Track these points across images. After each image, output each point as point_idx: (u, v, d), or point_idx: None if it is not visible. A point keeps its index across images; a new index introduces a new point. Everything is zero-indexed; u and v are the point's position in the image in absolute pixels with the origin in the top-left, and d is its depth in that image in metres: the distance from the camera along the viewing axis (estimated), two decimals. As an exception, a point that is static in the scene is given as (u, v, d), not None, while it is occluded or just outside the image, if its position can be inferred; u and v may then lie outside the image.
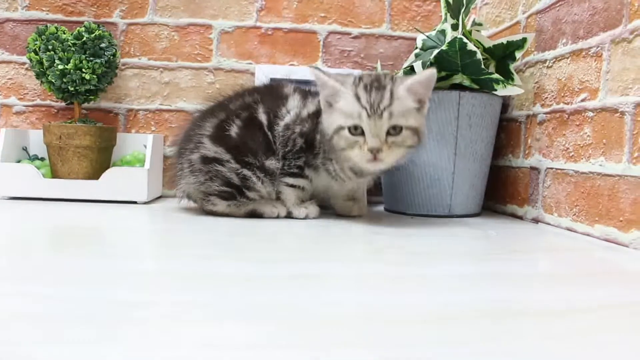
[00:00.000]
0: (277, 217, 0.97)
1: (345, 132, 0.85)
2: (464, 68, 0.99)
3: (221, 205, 0.96)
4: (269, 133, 0.95)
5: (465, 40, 0.95)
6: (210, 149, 0.94)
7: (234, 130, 0.95)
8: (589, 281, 0.59)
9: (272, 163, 0.95)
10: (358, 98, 0.84)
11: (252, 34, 1.28)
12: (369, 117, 0.83)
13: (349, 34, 1.30)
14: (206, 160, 0.94)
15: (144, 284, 0.51)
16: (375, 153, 0.83)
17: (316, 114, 0.94)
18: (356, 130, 0.84)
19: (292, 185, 0.97)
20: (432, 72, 0.86)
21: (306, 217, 0.98)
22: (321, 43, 1.30)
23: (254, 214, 0.97)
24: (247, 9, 1.28)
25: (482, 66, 0.98)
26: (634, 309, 0.49)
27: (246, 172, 0.93)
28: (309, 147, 0.95)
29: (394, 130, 0.84)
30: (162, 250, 0.72)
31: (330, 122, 0.88)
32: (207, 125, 0.96)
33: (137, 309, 0.43)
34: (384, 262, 0.66)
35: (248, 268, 0.59)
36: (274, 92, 1.00)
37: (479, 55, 0.97)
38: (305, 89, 1.01)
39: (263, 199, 0.97)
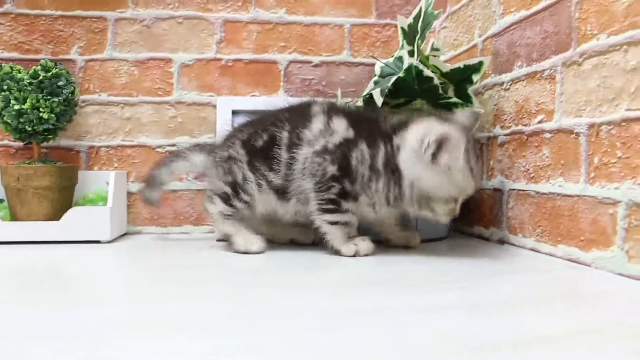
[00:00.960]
0: (245, 252, 0.93)
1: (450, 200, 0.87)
2: (423, 94, 1.00)
3: (215, 207, 0.97)
4: (287, 154, 0.92)
5: (421, 67, 0.96)
6: (238, 151, 0.96)
7: (259, 143, 0.95)
8: (553, 306, 0.59)
9: (275, 177, 0.93)
10: (471, 171, 0.86)
11: (213, 66, 1.28)
12: None
13: (309, 62, 1.31)
14: (229, 158, 0.97)
15: (111, 335, 0.50)
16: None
17: (347, 141, 0.90)
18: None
19: (334, 223, 0.90)
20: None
21: (356, 255, 0.89)
22: (282, 72, 1.30)
23: (228, 237, 0.97)
24: (207, 41, 1.28)
25: (440, 91, 0.99)
26: (601, 334, 0.49)
27: (249, 173, 0.94)
28: (344, 174, 0.89)
29: None
30: (125, 294, 0.70)
31: (438, 185, 0.86)
32: (244, 132, 0.99)
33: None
34: (330, 293, 0.65)
35: (219, 311, 0.57)
36: (301, 112, 0.96)
37: (436, 81, 0.97)
38: (330, 106, 0.97)
39: (249, 210, 0.97)
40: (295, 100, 1.02)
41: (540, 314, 0.56)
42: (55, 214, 1.10)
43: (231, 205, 0.96)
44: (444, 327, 0.51)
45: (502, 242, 1.02)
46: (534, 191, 0.92)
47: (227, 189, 0.96)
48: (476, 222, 1.13)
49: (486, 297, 0.63)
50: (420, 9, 1.05)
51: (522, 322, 0.53)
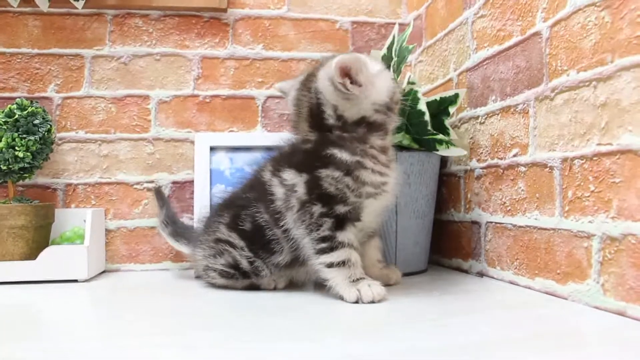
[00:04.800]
0: (275, 288, 0.93)
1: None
2: (411, 127, 1.01)
3: (220, 280, 0.95)
4: (278, 231, 0.89)
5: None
6: (225, 233, 0.94)
7: (247, 227, 0.92)
8: (532, 345, 0.59)
9: (280, 259, 0.90)
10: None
11: (190, 102, 1.28)
12: None
13: (287, 97, 1.31)
14: (219, 240, 0.94)
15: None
16: None
17: (308, 183, 0.85)
18: None
19: (330, 265, 0.83)
20: None
21: (358, 302, 0.80)
22: (260, 108, 1.30)
23: (252, 287, 0.93)
24: (184, 78, 1.28)
25: (429, 127, 1.00)
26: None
27: (259, 263, 0.91)
28: (332, 203, 0.84)
29: None
30: (102, 338, 0.69)
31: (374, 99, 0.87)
32: (225, 215, 0.95)
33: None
34: (291, 337, 0.64)
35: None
36: (260, 184, 0.92)
37: (427, 117, 0.98)
38: (273, 164, 0.93)
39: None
40: (246, 175, 1.01)
41: (523, 356, 0.56)
42: (31, 254, 1.08)
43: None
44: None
45: (480, 274, 1.02)
46: (511, 224, 0.92)
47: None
48: (455, 255, 1.13)
49: (470, 338, 0.63)
50: (393, 38, 1.06)
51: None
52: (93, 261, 1.12)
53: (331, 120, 0.87)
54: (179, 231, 1.12)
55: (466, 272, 1.08)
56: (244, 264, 0.91)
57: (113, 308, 0.86)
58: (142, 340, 0.65)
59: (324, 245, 0.84)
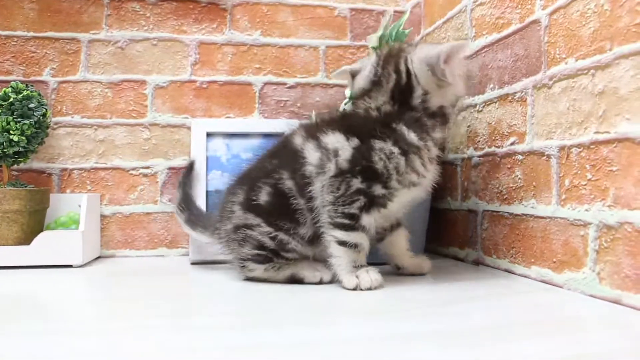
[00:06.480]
0: (320, 282, 0.86)
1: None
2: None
3: (258, 269, 0.88)
4: (301, 200, 0.85)
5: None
6: (241, 216, 0.89)
7: (262, 199, 0.87)
8: (530, 332, 0.59)
9: (304, 232, 0.86)
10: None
11: (187, 88, 1.27)
12: None
13: (284, 84, 1.31)
14: (237, 227, 0.89)
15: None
16: None
17: (358, 150, 0.82)
18: None
19: (343, 243, 0.82)
20: None
21: (357, 289, 0.80)
22: (257, 94, 1.30)
23: (294, 279, 0.87)
24: (181, 63, 1.27)
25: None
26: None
27: (283, 235, 0.86)
28: (373, 182, 0.82)
29: None
30: (97, 323, 0.68)
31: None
32: (238, 193, 0.91)
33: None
34: (297, 321, 0.64)
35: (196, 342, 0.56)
36: (288, 150, 0.88)
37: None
38: (307, 129, 0.90)
39: (303, 260, 0.88)
40: (269, 144, 0.97)
41: (518, 342, 0.56)
42: (26, 239, 1.08)
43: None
44: (421, 358, 0.51)
45: (477, 263, 1.02)
46: (508, 212, 0.92)
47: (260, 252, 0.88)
48: (451, 243, 1.13)
49: (465, 325, 0.63)
50: (386, 26, 1.06)
51: (500, 353, 0.53)
52: (88, 247, 1.12)
53: (416, 102, 0.84)
54: (195, 218, 1.08)
55: (462, 260, 1.08)
56: (267, 241, 0.86)
57: (108, 293, 0.86)
58: (136, 323, 0.64)
59: (345, 221, 0.81)
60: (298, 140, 0.88)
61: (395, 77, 0.84)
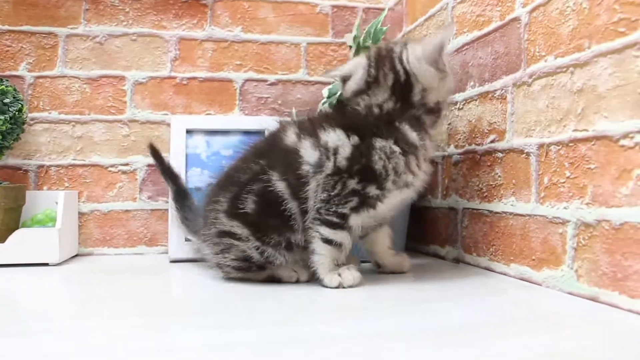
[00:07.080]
0: (297, 281, 0.85)
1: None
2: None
3: (237, 274, 0.86)
4: (294, 204, 0.81)
5: None
6: (226, 223, 0.84)
7: (249, 207, 0.83)
8: (509, 330, 0.59)
9: (296, 238, 0.83)
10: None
11: (167, 84, 1.26)
12: None
13: (265, 80, 1.30)
14: (221, 233, 0.85)
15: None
16: None
17: (357, 148, 0.81)
18: None
19: (328, 241, 0.81)
20: None
21: (339, 287, 0.80)
22: (237, 91, 1.29)
23: (272, 279, 0.85)
24: (161, 59, 1.26)
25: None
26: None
27: (271, 250, 0.82)
28: (369, 183, 0.80)
29: None
30: (73, 323, 0.67)
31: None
32: (222, 200, 0.86)
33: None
34: (277, 321, 0.64)
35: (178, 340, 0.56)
36: (279, 149, 0.85)
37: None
38: (304, 122, 0.87)
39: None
40: (249, 141, 0.94)
41: (497, 339, 0.56)
42: (1, 236, 1.06)
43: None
44: (403, 357, 0.50)
45: (457, 261, 1.02)
46: (487, 210, 0.92)
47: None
48: (432, 241, 1.13)
49: (446, 323, 0.63)
50: (358, 26, 1.05)
51: (480, 350, 0.53)
52: (65, 244, 1.10)
53: (416, 98, 0.83)
54: (191, 217, 1.03)
55: (443, 258, 1.08)
56: (255, 255, 0.83)
57: (85, 292, 0.85)
58: (113, 322, 0.63)
59: (334, 220, 0.80)
60: (291, 138, 0.84)
61: (393, 76, 0.83)
